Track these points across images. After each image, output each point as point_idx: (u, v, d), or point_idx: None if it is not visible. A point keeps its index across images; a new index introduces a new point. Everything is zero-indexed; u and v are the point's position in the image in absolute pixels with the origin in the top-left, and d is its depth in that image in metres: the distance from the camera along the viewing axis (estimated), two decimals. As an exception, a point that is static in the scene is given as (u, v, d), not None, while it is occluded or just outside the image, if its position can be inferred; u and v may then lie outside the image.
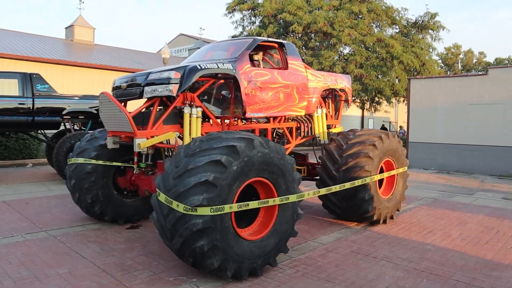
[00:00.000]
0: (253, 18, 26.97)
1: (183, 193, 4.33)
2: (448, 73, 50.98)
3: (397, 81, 23.95)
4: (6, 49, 17.44)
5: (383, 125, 35.16)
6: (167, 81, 5.37)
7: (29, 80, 10.74)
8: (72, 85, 17.94)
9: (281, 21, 24.41)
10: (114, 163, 6.65)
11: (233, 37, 27.82)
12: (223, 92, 6.49)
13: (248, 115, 6.21)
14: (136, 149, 5.44)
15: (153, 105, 5.74)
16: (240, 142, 4.60)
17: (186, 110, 5.70)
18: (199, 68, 5.48)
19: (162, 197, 4.50)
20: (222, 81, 6.29)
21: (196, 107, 5.79)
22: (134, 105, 6.11)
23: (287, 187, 5.10)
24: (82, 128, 11.87)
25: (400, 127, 34.30)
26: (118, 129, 5.70)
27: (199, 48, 30.70)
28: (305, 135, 7.85)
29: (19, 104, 10.51)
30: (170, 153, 6.89)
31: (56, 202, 8.60)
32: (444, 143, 16.35)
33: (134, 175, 6.69)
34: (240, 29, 26.95)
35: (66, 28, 25.19)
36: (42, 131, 11.72)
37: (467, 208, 9.04)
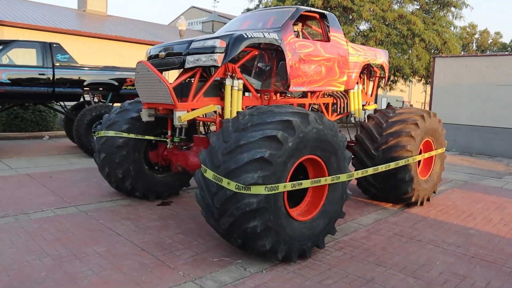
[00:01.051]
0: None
1: (235, 170, 4.04)
2: (462, 53, 50.02)
3: (415, 60, 23.34)
4: (19, 18, 17.02)
5: (388, 103, 34.54)
6: (211, 50, 5.01)
7: (49, 50, 10.36)
8: (86, 55, 17.52)
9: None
10: (147, 137, 6.34)
11: (247, 10, 27.17)
12: (264, 64, 6.12)
13: (291, 89, 5.86)
14: (176, 122, 5.12)
15: (192, 76, 5.40)
16: (295, 117, 4.29)
17: (228, 82, 5.36)
18: (246, 37, 5.12)
19: (209, 174, 4.21)
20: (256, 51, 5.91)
21: (238, 79, 5.44)
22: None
23: (338, 166, 4.82)
24: (101, 100, 11.53)
25: (411, 106, 33.77)
26: (156, 100, 5.37)
27: (213, 21, 30.24)
28: (341, 111, 7.51)
29: (39, 74, 10.15)
30: (207, 128, 6.60)
31: (80, 176, 8.35)
32: (467, 125, 15.91)
33: (167, 149, 6.40)
34: (256, 1, 26.28)
35: (78, -3, 24.67)
36: (61, 102, 11.40)
37: (500, 192, 8.75)
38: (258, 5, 26.28)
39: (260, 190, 3.97)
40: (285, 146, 4.11)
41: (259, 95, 6.14)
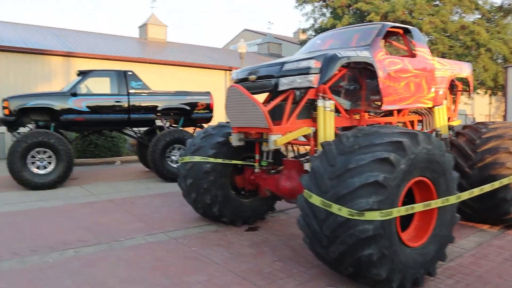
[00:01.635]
0: (323, 10, 26.16)
1: (346, 196, 3.84)
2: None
3: (482, 71, 22.32)
4: (88, 50, 17.85)
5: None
6: (306, 71, 4.90)
7: (123, 78, 10.70)
8: (148, 81, 18.00)
9: (355, 11, 23.48)
10: (234, 162, 6.28)
11: (303, 30, 27.17)
12: (352, 84, 5.94)
13: (383, 107, 5.64)
14: (272, 147, 5.01)
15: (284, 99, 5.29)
16: (405, 137, 4.06)
17: (320, 103, 5.20)
18: (340, 56, 4.97)
19: (316, 200, 4.04)
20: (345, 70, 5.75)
21: (329, 99, 5.28)
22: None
23: (447, 187, 4.51)
24: (172, 125, 11.73)
25: (474, 119, 32.30)
26: (249, 125, 5.30)
27: (269, 42, 30.47)
28: (426, 129, 7.18)
29: (116, 102, 10.48)
30: (293, 151, 6.47)
31: (161, 201, 8.43)
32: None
33: (254, 174, 6.31)
34: (311, 21, 26.25)
35: (139, 27, 25.59)
36: (136, 129, 11.71)
37: None
38: (313, 24, 26.21)
39: (375, 215, 3.75)
40: (397, 169, 3.89)
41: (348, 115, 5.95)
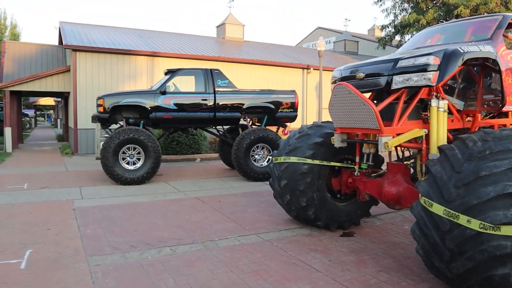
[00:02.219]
0: (405, 5, 25.00)
1: (477, 206, 3.43)
2: None
3: None
4: (170, 49, 18.28)
5: None
6: (423, 68, 4.49)
7: (210, 76, 10.74)
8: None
9: (441, 5, 22.20)
10: (332, 163, 5.99)
11: (382, 27, 26.16)
12: (467, 82, 5.42)
13: (506, 108, 5.09)
14: (381, 149, 4.66)
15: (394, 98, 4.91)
16: (547, 143, 3.56)
17: (434, 103, 4.76)
18: (462, 51, 4.51)
19: (438, 209, 3.65)
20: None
21: (442, 99, 4.82)
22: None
23: None
24: (256, 123, 11.64)
25: None
26: (356, 125, 4.98)
27: (345, 40, 29.74)
28: None
29: (202, 100, 10.55)
30: (401, 154, 6.05)
31: (247, 201, 8.32)
32: None
33: (352, 176, 5.99)
34: (391, 17, 25.18)
35: (217, 26, 25.94)
36: (219, 127, 11.76)
37: None
38: (393, 20, 25.14)
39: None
40: (540, 178, 3.41)
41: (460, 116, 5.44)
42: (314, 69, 20.84)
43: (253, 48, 23.15)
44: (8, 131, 17.25)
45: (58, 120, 42.81)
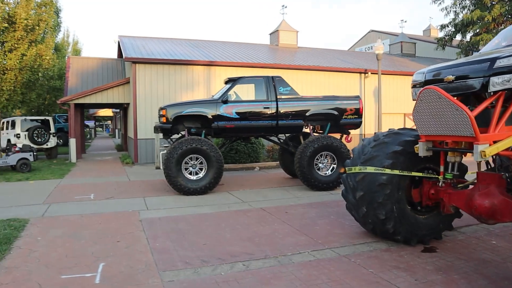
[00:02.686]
0: (466, 2, 23.80)
1: None
2: None
3: None
4: (226, 58, 18.32)
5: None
6: (527, 67, 4.02)
7: (272, 83, 10.51)
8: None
9: (506, 0, 20.94)
10: (414, 174, 5.56)
11: (441, 26, 25.01)
12: None
13: None
14: (477, 158, 4.22)
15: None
16: None
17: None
18: None
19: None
20: None
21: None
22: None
23: None
24: (318, 131, 11.29)
25: None
26: (447, 132, 4.56)
27: (401, 42, 28.73)
28: None
29: (264, 108, 10.32)
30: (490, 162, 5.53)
31: (315, 213, 7.98)
32: None
33: (435, 187, 5.53)
34: (451, 15, 24.02)
35: (270, 34, 25.83)
36: (280, 135, 11.50)
37: None
38: (454, 19, 24.01)
39: None
40: None
41: None
42: (372, 73, 20.20)
43: (308, 54, 22.82)
44: (73, 142, 17.89)
45: (116, 130, 44.32)
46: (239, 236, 6.43)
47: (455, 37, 24.78)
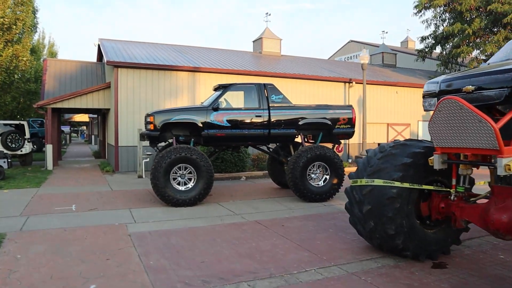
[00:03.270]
0: (446, 15, 24.08)
1: None
2: None
3: None
4: (210, 64, 17.96)
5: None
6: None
7: (263, 91, 10.19)
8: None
9: (487, 13, 21.24)
10: (425, 187, 5.32)
11: (422, 38, 25.23)
12: None
13: None
14: (501, 172, 3.99)
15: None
16: None
17: None
18: None
19: None
20: None
21: None
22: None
23: None
24: (309, 141, 11.00)
25: None
26: (466, 145, 4.32)
27: (383, 52, 28.88)
28: None
29: (256, 116, 9.98)
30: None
31: (312, 225, 7.68)
32: None
33: (445, 201, 5.30)
34: (432, 28, 24.29)
35: (253, 41, 25.58)
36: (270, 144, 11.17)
37: None
38: (435, 31, 24.25)
39: None
40: None
41: None
42: (356, 82, 20.14)
43: (291, 62, 22.66)
44: (49, 148, 17.16)
45: (92, 136, 43.25)
46: (238, 252, 6.06)
47: (435, 49, 25.05)
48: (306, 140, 10.88)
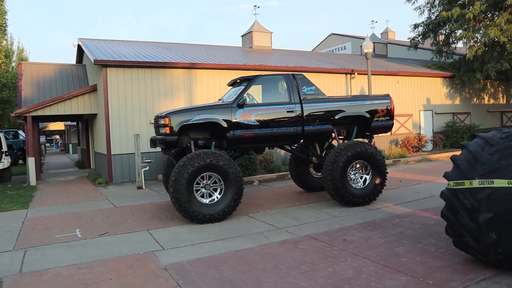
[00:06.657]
0: (436, 1, 23.27)
1: None
2: None
3: None
4: (207, 60, 16.54)
5: None
6: None
7: (294, 82, 8.84)
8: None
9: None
10: None
11: (414, 25, 24.35)
12: None
13: None
14: None
15: None
16: None
17: None
18: None
19: None
20: None
21: None
22: None
23: None
24: (340, 137, 9.71)
25: None
26: None
27: (373, 43, 27.88)
28: None
29: (288, 111, 8.61)
30: None
31: (378, 237, 6.45)
32: None
33: None
34: (425, 14, 23.39)
35: (242, 36, 24.20)
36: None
37: None
38: (429, 18, 23.40)
39: None
40: None
41: None
42: (358, 73, 19.03)
43: (285, 55, 21.42)
44: (31, 161, 15.40)
45: (70, 145, 40.97)
46: (318, 283, 4.73)
47: (429, 36, 24.20)
48: (340, 136, 9.54)
